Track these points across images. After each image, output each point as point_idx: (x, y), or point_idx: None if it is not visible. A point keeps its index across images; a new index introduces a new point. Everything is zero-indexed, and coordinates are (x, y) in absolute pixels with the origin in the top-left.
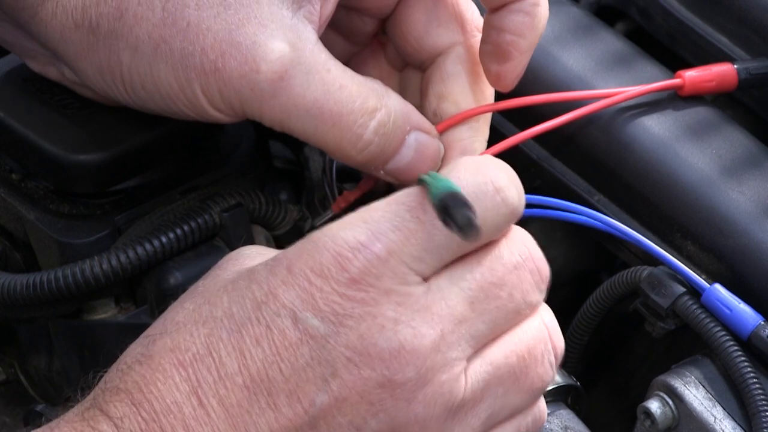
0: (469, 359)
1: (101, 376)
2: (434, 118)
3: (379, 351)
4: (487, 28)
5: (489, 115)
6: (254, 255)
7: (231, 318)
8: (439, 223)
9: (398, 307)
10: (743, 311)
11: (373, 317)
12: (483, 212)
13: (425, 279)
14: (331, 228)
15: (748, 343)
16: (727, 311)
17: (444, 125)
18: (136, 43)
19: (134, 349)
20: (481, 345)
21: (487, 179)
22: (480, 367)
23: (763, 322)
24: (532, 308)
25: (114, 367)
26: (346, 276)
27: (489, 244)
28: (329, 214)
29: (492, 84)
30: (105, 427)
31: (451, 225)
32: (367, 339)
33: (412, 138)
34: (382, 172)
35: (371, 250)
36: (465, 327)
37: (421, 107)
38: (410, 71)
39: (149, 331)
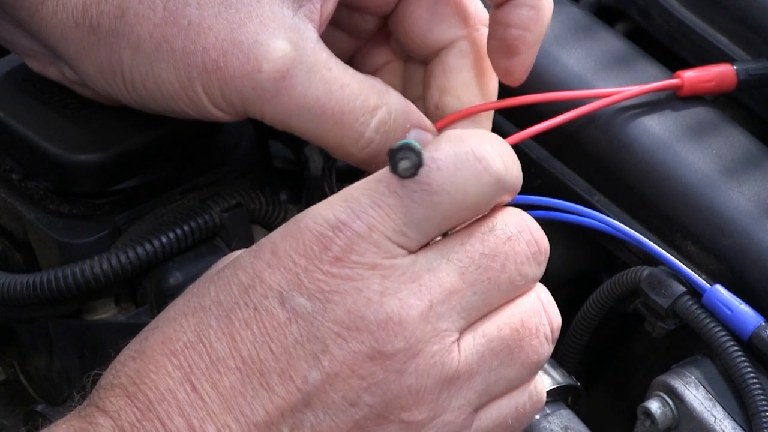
0: (462, 331)
1: (96, 379)
2: (436, 111)
3: (367, 323)
4: (493, 24)
5: (491, 112)
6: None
7: (219, 305)
8: (416, 196)
9: (384, 279)
10: (744, 312)
11: (358, 291)
12: (464, 181)
13: (412, 253)
14: (312, 209)
15: (749, 344)
16: (728, 312)
17: (444, 122)
18: (137, 42)
19: (128, 348)
20: (474, 318)
21: (467, 148)
22: (473, 339)
23: (764, 323)
24: (527, 281)
25: (109, 368)
26: (329, 255)
27: (482, 218)
28: None
29: (502, 79)
30: (102, 421)
31: (392, 169)
32: (354, 313)
33: (412, 135)
34: (374, 168)
35: (352, 228)
36: (455, 298)
37: (423, 100)
38: (414, 62)
39: (142, 331)
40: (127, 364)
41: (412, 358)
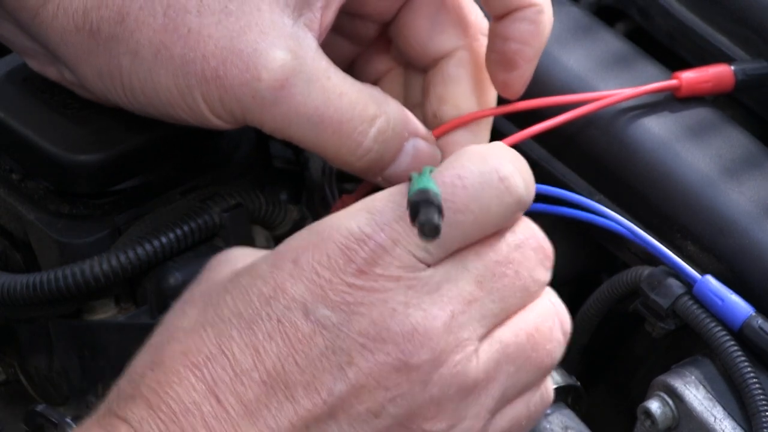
0: (482, 339)
1: (107, 390)
2: (434, 120)
3: (393, 335)
4: (492, 37)
5: (490, 120)
6: (244, 255)
7: (239, 316)
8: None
9: (408, 290)
10: (735, 302)
11: (383, 302)
12: (487, 201)
13: (431, 266)
14: (334, 219)
15: (740, 334)
16: (719, 302)
17: (441, 130)
18: (137, 48)
19: (142, 359)
20: (491, 325)
21: (492, 168)
22: (490, 347)
23: (754, 313)
24: (539, 286)
25: (124, 378)
26: (353, 267)
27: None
28: None
29: (500, 92)
30: (124, 430)
31: (415, 224)
32: (379, 324)
33: (410, 145)
34: (379, 178)
35: (376, 241)
36: (475, 307)
37: (422, 107)
38: (414, 70)
39: (153, 340)
40: (145, 375)
41: (437, 368)
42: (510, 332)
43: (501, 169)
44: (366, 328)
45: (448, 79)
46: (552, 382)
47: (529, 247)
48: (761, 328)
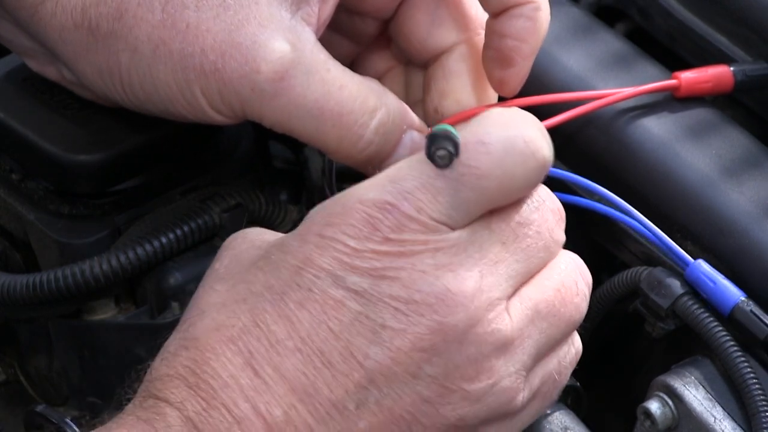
0: (510, 298)
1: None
2: (435, 115)
3: (425, 296)
4: (489, 34)
5: None
6: (261, 233)
7: (270, 289)
8: (464, 179)
9: (436, 253)
10: (726, 286)
11: (412, 266)
12: (512, 166)
13: (455, 230)
14: (357, 189)
15: (730, 318)
16: (711, 284)
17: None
18: (136, 44)
19: (174, 337)
20: (518, 284)
21: (517, 132)
22: (521, 304)
23: (744, 298)
24: (557, 245)
25: (157, 358)
26: (379, 235)
27: None
28: None
29: (496, 89)
30: (169, 411)
31: (429, 155)
32: (410, 287)
33: (408, 137)
34: (378, 171)
35: (400, 209)
36: (502, 267)
37: (423, 103)
38: (414, 67)
39: (184, 317)
40: (179, 354)
41: (472, 327)
42: (538, 290)
43: (526, 133)
44: (397, 292)
45: (449, 74)
46: (578, 337)
47: (547, 208)
48: (752, 312)
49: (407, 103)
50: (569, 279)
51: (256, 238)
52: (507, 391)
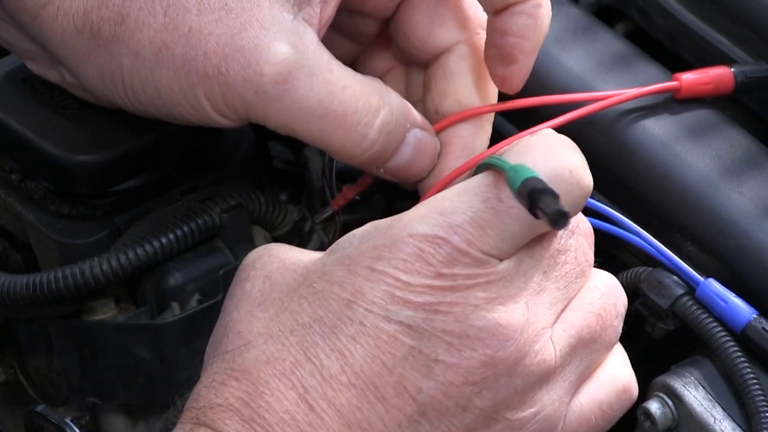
0: (552, 326)
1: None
2: (436, 116)
3: (477, 331)
4: (491, 31)
5: (492, 114)
6: (288, 250)
7: (320, 322)
8: (514, 212)
9: (486, 286)
10: (737, 305)
11: (465, 300)
12: (560, 197)
13: (502, 261)
14: (404, 221)
15: (742, 336)
16: (722, 304)
17: (443, 124)
18: (138, 48)
19: (218, 365)
20: (559, 312)
21: (564, 163)
22: (563, 332)
23: (756, 316)
24: (590, 267)
25: (202, 384)
26: (431, 270)
27: None
28: (328, 212)
29: (498, 86)
30: None
31: (540, 215)
32: (463, 321)
33: (411, 136)
34: (381, 170)
35: (451, 243)
36: (545, 296)
37: (423, 103)
38: (414, 67)
39: (225, 345)
40: (229, 384)
41: (521, 360)
42: (580, 316)
43: (572, 162)
44: (451, 327)
45: (449, 74)
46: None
47: (581, 232)
48: (764, 330)
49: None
50: (609, 303)
51: (286, 257)
52: (549, 419)
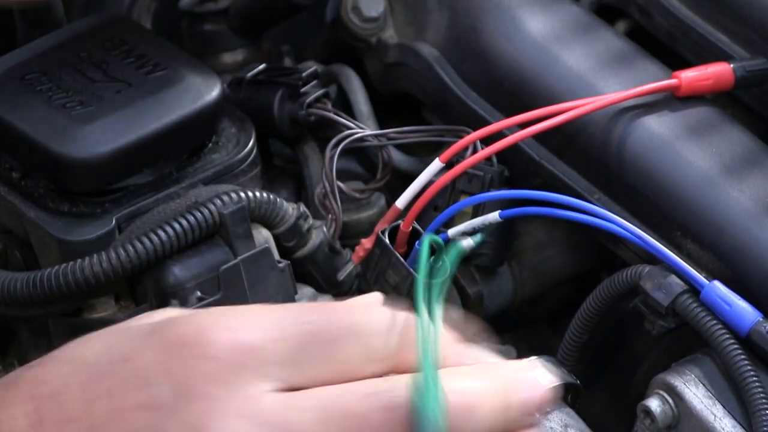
0: None
1: None
2: None
3: None
4: None
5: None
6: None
7: (96, 365)
8: (313, 337)
9: (244, 403)
10: (742, 308)
11: (216, 403)
12: (366, 340)
13: (286, 389)
14: (216, 309)
15: (747, 340)
16: (727, 307)
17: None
18: None
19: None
20: None
21: (376, 318)
22: None
23: (762, 319)
24: None
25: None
26: (205, 354)
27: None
28: (350, 266)
29: None
30: None
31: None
32: (204, 425)
33: None
34: None
35: (238, 338)
36: None
37: None
38: None
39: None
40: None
41: None
42: None
43: (381, 320)
44: (191, 421)
45: None
46: None
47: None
48: None
49: None
50: None
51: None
52: None
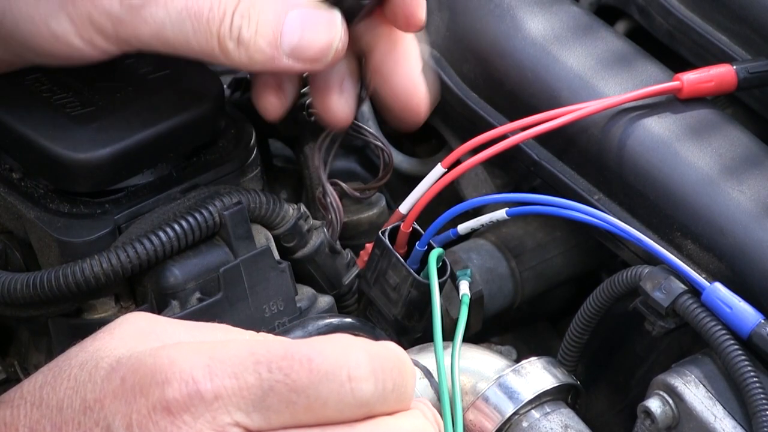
0: None
1: None
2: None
3: None
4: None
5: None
6: (130, 334)
7: (60, 412)
8: (277, 386)
9: None
10: (743, 310)
11: None
12: (326, 394)
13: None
14: (180, 349)
15: (749, 342)
16: (728, 310)
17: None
18: None
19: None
20: None
21: (344, 363)
22: None
23: (763, 321)
24: None
25: None
26: (164, 404)
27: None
28: (355, 271)
29: (405, 28)
30: None
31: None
32: None
33: (293, 15)
34: (285, 59)
35: (198, 388)
36: None
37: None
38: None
39: (10, 392)
40: None
41: None
42: None
43: (354, 368)
44: None
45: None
46: None
47: None
48: None
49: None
50: None
51: (120, 338)
52: None
